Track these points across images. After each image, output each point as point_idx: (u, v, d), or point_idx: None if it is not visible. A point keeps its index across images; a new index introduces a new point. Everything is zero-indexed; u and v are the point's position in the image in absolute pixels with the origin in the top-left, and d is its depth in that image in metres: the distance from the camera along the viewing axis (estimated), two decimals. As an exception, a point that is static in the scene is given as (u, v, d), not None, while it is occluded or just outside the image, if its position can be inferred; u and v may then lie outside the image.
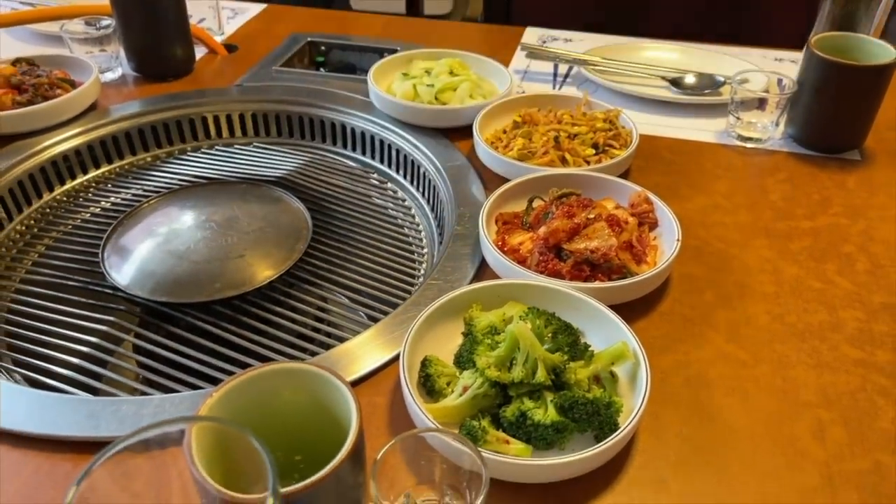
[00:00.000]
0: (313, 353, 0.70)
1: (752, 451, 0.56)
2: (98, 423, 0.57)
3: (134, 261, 0.79)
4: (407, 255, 0.88)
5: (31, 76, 1.00)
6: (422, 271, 0.85)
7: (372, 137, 1.01)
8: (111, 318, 0.76)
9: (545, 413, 0.54)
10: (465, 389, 0.57)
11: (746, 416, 0.59)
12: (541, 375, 0.55)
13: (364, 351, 0.65)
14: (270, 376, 0.46)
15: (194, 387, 0.68)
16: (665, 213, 0.76)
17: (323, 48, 1.24)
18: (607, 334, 0.62)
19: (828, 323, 0.68)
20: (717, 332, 0.67)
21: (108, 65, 1.12)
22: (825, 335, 0.67)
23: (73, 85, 1.01)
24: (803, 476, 0.55)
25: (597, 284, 0.67)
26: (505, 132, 0.93)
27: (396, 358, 0.61)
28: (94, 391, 0.68)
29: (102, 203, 0.95)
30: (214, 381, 0.68)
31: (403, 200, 0.97)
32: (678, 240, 0.71)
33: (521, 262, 0.73)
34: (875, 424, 0.59)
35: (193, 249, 0.80)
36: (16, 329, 0.76)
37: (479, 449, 0.51)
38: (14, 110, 0.94)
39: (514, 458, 0.52)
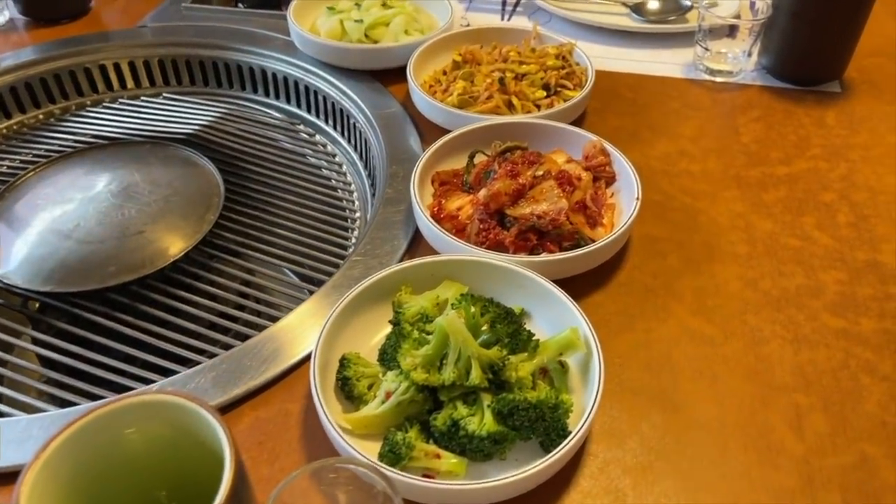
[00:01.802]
0: (211, 355, 0.60)
1: (720, 449, 0.49)
2: (-49, 455, 0.48)
3: (13, 243, 0.68)
4: (338, 220, 0.78)
5: None
6: (353, 239, 0.75)
7: (296, 83, 0.89)
8: (-12, 315, 0.66)
9: (481, 422, 0.46)
10: (389, 395, 0.48)
11: (715, 406, 0.52)
12: (475, 376, 0.47)
13: (273, 347, 0.55)
14: (120, 413, 0.36)
15: (96, 396, 0.58)
16: (623, 166, 0.66)
17: (243, -21, 1.10)
18: (556, 316, 0.54)
19: (806, 287, 0.60)
20: (682, 304, 0.59)
21: (-10, 7, 0.97)
22: (803, 302, 0.59)
23: (-55, 33, 0.87)
24: (779, 475, 0.47)
25: (544, 257, 0.58)
26: (445, 73, 0.82)
27: (310, 356, 0.52)
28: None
29: (-16, 172, 0.83)
30: (115, 388, 0.59)
31: (334, 156, 0.86)
32: (638, 198, 0.62)
33: (461, 230, 0.63)
34: (859, 408, 0.51)
35: (84, 227, 0.69)
36: None
37: (400, 473, 0.43)
38: None
39: (440, 483, 0.44)
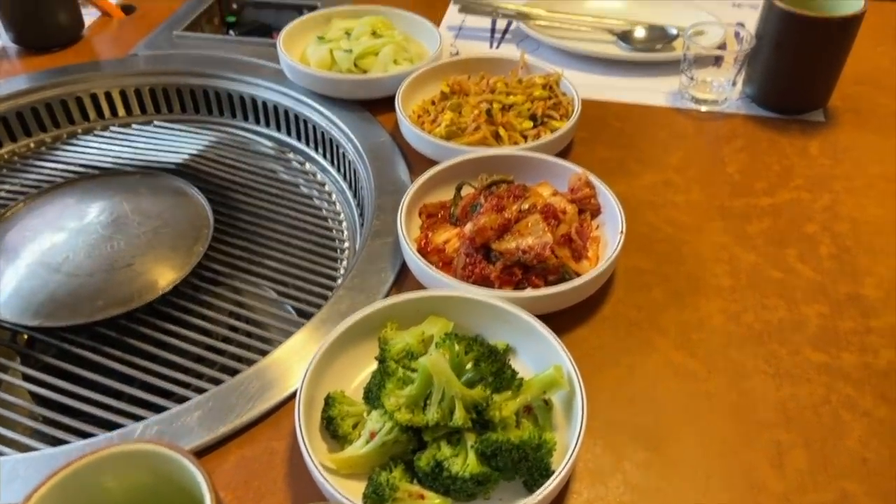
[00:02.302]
0: (199, 389, 0.61)
1: (702, 487, 0.49)
2: (-63, 497, 0.48)
3: (3, 277, 0.68)
4: (327, 250, 0.78)
5: None
6: (342, 269, 0.76)
7: (286, 112, 0.90)
8: (-25, 350, 0.66)
9: (464, 463, 0.46)
10: (373, 435, 0.49)
11: (697, 443, 0.52)
12: (459, 417, 0.47)
13: (260, 384, 0.56)
14: (100, 464, 0.36)
15: (85, 434, 0.58)
16: (608, 198, 0.67)
17: (234, 6, 1.10)
18: (541, 352, 0.54)
19: (788, 321, 0.61)
20: (666, 338, 0.60)
21: (-18, 35, 0.97)
22: (785, 337, 0.60)
23: (-63, 63, 0.88)
24: (761, 514, 0.48)
25: (528, 293, 0.58)
26: (433, 103, 0.83)
27: (296, 393, 0.52)
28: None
29: (-26, 203, 0.83)
30: (103, 424, 0.59)
31: (323, 185, 0.87)
32: (622, 232, 0.63)
33: (448, 263, 0.64)
34: (840, 445, 0.52)
35: (73, 260, 0.69)
36: None
37: (384, 516, 0.43)
38: None
39: (423, 525, 0.44)
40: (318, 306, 0.70)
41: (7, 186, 0.85)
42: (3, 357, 0.67)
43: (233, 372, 0.64)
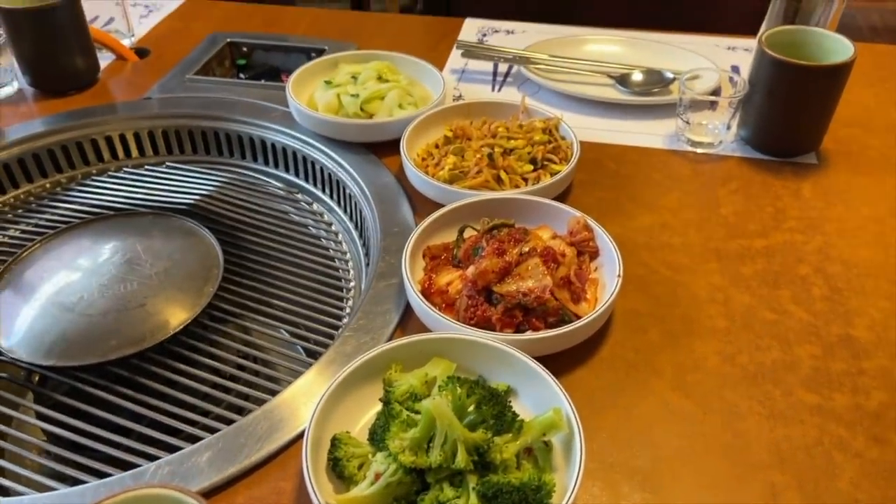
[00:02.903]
0: (207, 427, 0.63)
1: (699, 528, 0.51)
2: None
3: (19, 316, 0.71)
4: (334, 290, 0.80)
5: None
6: (348, 309, 0.78)
7: (294, 154, 0.93)
8: (-8, 390, 0.68)
9: (466, 504, 0.48)
10: (378, 476, 0.50)
11: (693, 485, 0.53)
12: (461, 459, 0.49)
13: (268, 425, 0.57)
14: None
15: (97, 472, 0.60)
16: (606, 242, 0.69)
17: (244, 49, 1.14)
18: (541, 394, 0.56)
19: (781, 362, 0.62)
20: (662, 379, 0.61)
21: (1, 79, 1.01)
22: (779, 377, 0.61)
23: (-43, 107, 0.91)
24: (755, 555, 0.49)
25: (528, 336, 0.60)
26: (437, 147, 0.86)
27: (303, 433, 0.54)
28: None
29: (-8, 242, 0.86)
30: (120, 464, 0.60)
31: (330, 225, 0.89)
32: (619, 276, 0.65)
33: (450, 304, 0.66)
34: (833, 486, 0.53)
35: (87, 300, 0.72)
36: None
37: (389, 557, 0.45)
38: None
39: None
40: (325, 345, 0.72)
41: (23, 226, 0.87)
42: (17, 395, 0.69)
43: (240, 410, 0.66)
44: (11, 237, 0.86)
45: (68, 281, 0.74)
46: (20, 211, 0.90)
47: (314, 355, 0.70)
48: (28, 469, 0.62)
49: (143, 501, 0.38)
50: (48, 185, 0.93)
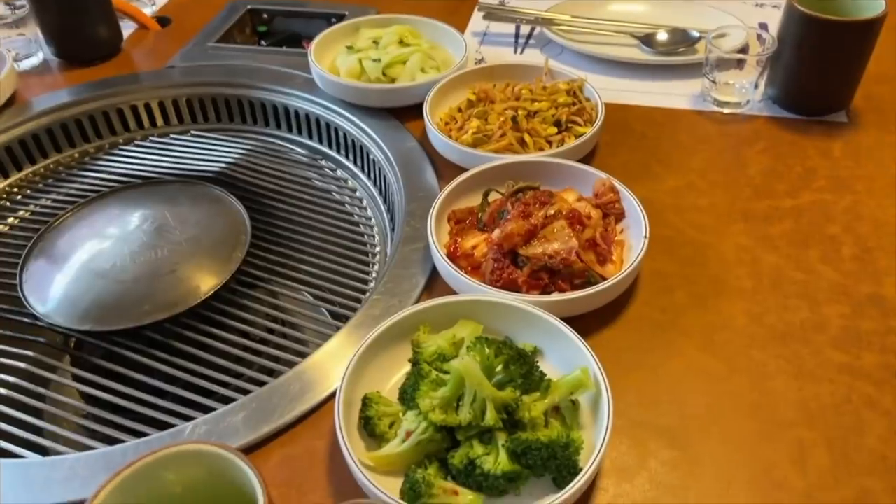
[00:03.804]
0: (239, 388, 0.64)
1: (725, 485, 0.51)
2: (5, 491, 0.52)
3: (54, 283, 0.72)
4: (360, 255, 0.81)
5: (-63, 71, 0.90)
6: (374, 273, 0.78)
7: (318, 120, 0.93)
8: (31, 354, 0.69)
9: (496, 461, 0.49)
10: (409, 434, 0.51)
11: (720, 442, 0.54)
12: (490, 417, 0.50)
13: (300, 386, 0.59)
14: (163, 461, 0.39)
15: (134, 431, 0.62)
16: (632, 203, 0.69)
17: (265, 16, 1.14)
18: (568, 354, 0.56)
19: (810, 322, 0.62)
20: (690, 339, 0.61)
21: (27, 50, 1.02)
22: (807, 337, 0.61)
23: (-15, 78, 0.92)
24: (782, 510, 0.50)
25: (555, 297, 0.60)
26: (460, 110, 0.85)
27: (334, 394, 0.55)
28: (23, 442, 0.62)
29: (24, 211, 0.87)
30: (156, 424, 0.62)
31: (355, 191, 0.90)
32: (646, 236, 0.65)
33: (476, 267, 0.66)
34: (861, 443, 0.53)
35: (119, 267, 0.73)
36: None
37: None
38: (-84, 114, 0.85)
39: (459, 520, 0.47)
40: (352, 309, 0.73)
41: (54, 195, 0.89)
42: (54, 359, 0.71)
43: (270, 372, 0.68)
44: (43, 206, 0.88)
45: (100, 248, 0.75)
46: (51, 180, 0.91)
47: (341, 319, 0.71)
48: (67, 430, 0.63)
49: (184, 458, 0.39)
50: (77, 155, 0.94)
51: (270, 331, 0.72)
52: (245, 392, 0.64)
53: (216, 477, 0.41)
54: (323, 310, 0.78)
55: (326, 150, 0.94)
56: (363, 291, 0.76)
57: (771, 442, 0.54)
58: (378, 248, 0.81)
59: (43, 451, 0.61)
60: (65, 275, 0.73)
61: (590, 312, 0.62)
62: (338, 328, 0.66)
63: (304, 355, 0.66)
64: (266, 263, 0.78)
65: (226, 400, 0.63)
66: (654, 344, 0.61)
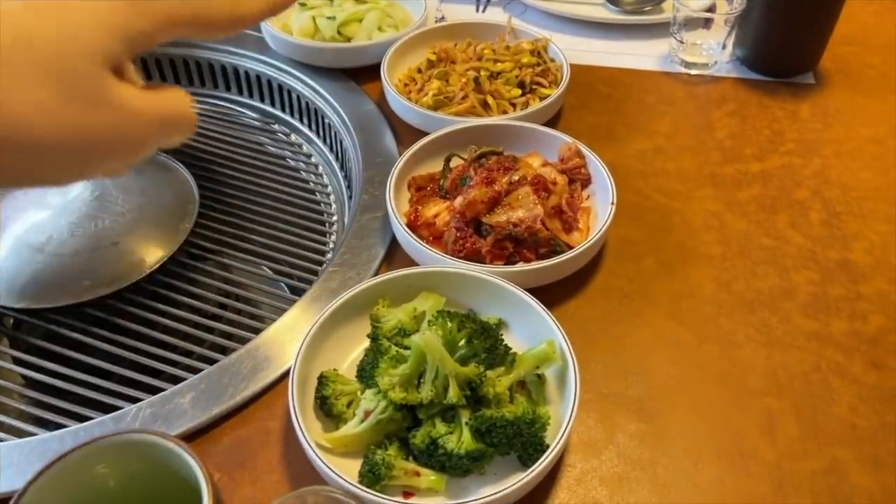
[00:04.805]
0: (188, 367, 0.61)
1: (695, 457, 0.50)
2: (-70, 485, 0.48)
3: (-15, 258, 0.67)
4: (316, 224, 0.77)
5: None
6: (331, 244, 0.75)
7: (269, 82, 0.88)
8: (-39, 333, 0.65)
9: (459, 440, 0.47)
10: (367, 414, 0.49)
11: (689, 413, 0.52)
12: (452, 395, 0.47)
13: (252, 364, 0.55)
14: (94, 454, 0.36)
15: (77, 416, 0.58)
16: (598, 168, 0.66)
17: (212, -29, 1.07)
18: (533, 326, 0.54)
19: (779, 289, 0.61)
20: (657, 308, 0.60)
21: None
22: (776, 304, 0.60)
23: None
24: (751, 482, 0.49)
25: (520, 267, 0.58)
26: (420, 72, 0.81)
27: (288, 372, 0.52)
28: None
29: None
30: (101, 407, 0.58)
31: (309, 157, 0.85)
32: (613, 203, 0.62)
33: (438, 237, 0.63)
34: (830, 411, 0.52)
35: (57, 239, 0.68)
36: None
37: (379, 496, 0.44)
38: None
39: (419, 501, 0.45)
40: (308, 281, 0.70)
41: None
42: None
43: (223, 350, 0.64)
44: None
45: (36, 220, 0.70)
46: (-19, 148, 0.85)
47: (298, 292, 0.68)
48: (8, 415, 0.59)
49: (123, 447, 0.36)
50: (9, 120, 0.88)
51: (223, 306, 0.69)
52: (195, 371, 0.60)
53: (156, 467, 0.38)
54: (282, 284, 0.74)
55: (279, 113, 0.90)
56: (320, 263, 0.73)
57: (740, 411, 0.52)
58: (335, 218, 0.78)
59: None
60: (-3, 249, 0.68)
61: (555, 282, 0.60)
62: (294, 302, 0.63)
63: (259, 331, 0.63)
64: (216, 234, 0.74)
65: (176, 380, 0.60)
66: (621, 314, 0.59)
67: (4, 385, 0.63)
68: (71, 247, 0.68)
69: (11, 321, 0.69)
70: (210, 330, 0.66)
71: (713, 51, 0.85)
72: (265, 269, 0.73)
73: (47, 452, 0.49)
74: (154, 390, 0.58)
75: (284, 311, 0.61)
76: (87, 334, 0.64)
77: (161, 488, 0.38)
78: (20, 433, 0.57)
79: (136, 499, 0.38)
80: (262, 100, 0.90)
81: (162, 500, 0.38)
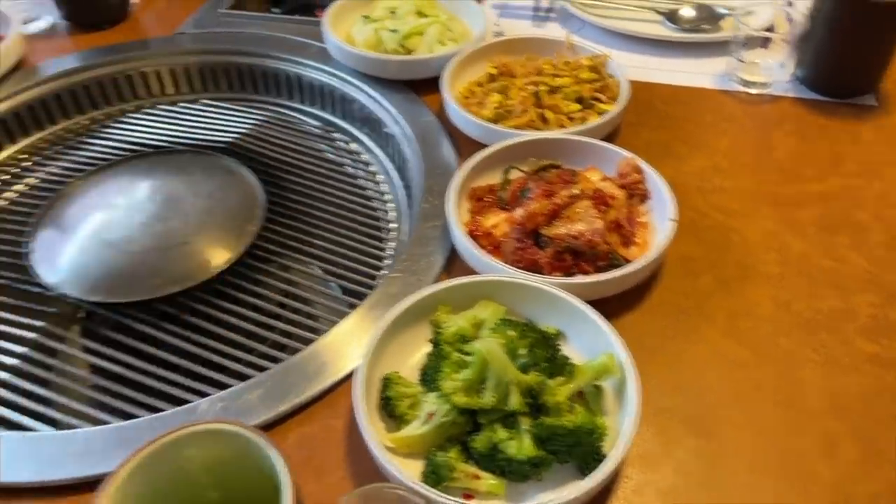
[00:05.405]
0: (250, 363, 0.63)
1: (753, 475, 0.50)
2: (16, 465, 0.51)
3: (64, 253, 0.71)
4: (374, 231, 0.79)
5: (-58, 33, 0.88)
6: (388, 251, 0.77)
7: (331, 92, 0.91)
8: (41, 324, 0.68)
9: (520, 446, 0.48)
10: (431, 416, 0.50)
11: (748, 431, 0.53)
12: (514, 402, 0.49)
13: (317, 364, 0.57)
14: (186, 440, 0.38)
15: (145, 405, 0.61)
16: (657, 184, 0.67)
17: (278, -17, 1.11)
18: (592, 338, 0.55)
19: (839, 311, 0.61)
20: (715, 326, 0.60)
21: (34, 13, 0.99)
22: (836, 326, 0.60)
23: (-8, 40, 0.90)
24: (809, 503, 0.49)
25: (579, 280, 0.59)
26: (480, 85, 0.83)
27: (351, 373, 0.54)
28: (32, 413, 0.61)
29: (32, 178, 0.85)
30: (167, 398, 0.61)
31: (368, 165, 0.88)
32: (673, 220, 0.63)
33: (496, 246, 0.65)
34: (891, 435, 0.52)
35: (131, 236, 0.71)
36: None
37: (443, 496, 0.45)
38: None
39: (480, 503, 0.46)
40: (366, 286, 0.71)
41: (62, 163, 0.87)
42: (64, 330, 0.69)
43: (282, 348, 0.66)
44: (51, 173, 0.86)
45: (111, 218, 0.74)
46: (59, 147, 0.89)
47: (357, 296, 0.70)
48: (77, 402, 0.62)
49: (208, 436, 0.38)
50: (85, 122, 0.92)
51: (283, 306, 0.71)
52: (258, 368, 0.63)
53: (239, 458, 0.40)
54: (333, 285, 0.76)
55: (339, 122, 0.92)
56: (377, 268, 0.75)
57: (798, 432, 0.52)
58: (393, 224, 0.80)
59: (53, 423, 0.60)
60: (74, 244, 0.71)
61: (612, 296, 0.61)
62: (350, 305, 0.65)
63: (316, 331, 0.65)
64: (280, 238, 0.76)
65: (238, 375, 0.62)
66: (678, 329, 0.60)
67: (76, 373, 0.66)
68: (143, 245, 0.71)
69: (84, 313, 0.72)
70: (271, 328, 0.68)
71: (772, 70, 0.85)
72: (323, 272, 0.75)
73: (125, 440, 0.52)
74: (216, 384, 0.61)
75: (339, 312, 0.63)
76: (157, 328, 0.66)
77: (241, 477, 0.40)
78: (91, 420, 0.60)
79: (217, 485, 0.40)
80: (322, 108, 0.93)
81: (240, 489, 0.40)
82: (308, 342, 0.61)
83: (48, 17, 1.00)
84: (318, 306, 0.72)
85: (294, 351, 0.62)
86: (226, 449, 0.39)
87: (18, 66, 0.91)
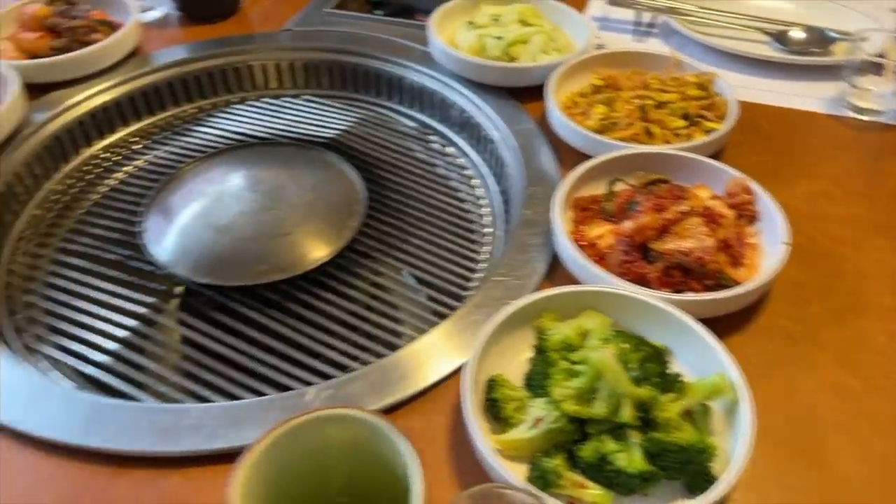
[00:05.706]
0: (345, 353, 0.65)
1: (867, 510, 0.49)
2: (134, 434, 0.53)
3: (174, 233, 0.73)
4: (469, 234, 0.80)
5: (67, 17, 0.93)
6: (482, 255, 0.77)
7: (431, 94, 0.92)
8: (151, 300, 0.71)
9: (631, 459, 0.47)
10: (538, 421, 0.50)
11: (860, 463, 0.51)
12: (626, 414, 0.48)
13: (422, 359, 0.58)
14: (322, 422, 0.39)
15: (240, 384, 0.63)
16: (768, 205, 0.66)
17: (380, -14, 1.13)
18: (700, 357, 0.54)
19: (958, 348, 0.59)
20: (825, 354, 0.58)
21: (150, 3, 1.03)
22: (955, 364, 0.57)
23: (112, 27, 0.94)
24: (928, 544, 0.47)
25: (690, 297, 0.58)
26: (583, 96, 0.83)
27: (458, 370, 0.54)
28: (135, 384, 0.63)
29: (142, 161, 0.89)
30: (268, 382, 0.63)
31: (464, 169, 0.88)
32: (786, 243, 0.62)
33: (600, 258, 0.64)
34: None
35: (237, 223, 0.74)
36: (55, 307, 0.71)
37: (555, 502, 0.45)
38: (49, 58, 0.87)
39: (592, 513, 0.46)
40: (459, 286, 0.72)
41: (170, 148, 0.90)
42: (172, 308, 0.72)
43: (376, 340, 0.67)
44: (160, 157, 0.89)
45: (218, 204, 0.76)
46: (168, 133, 0.93)
47: (457, 298, 0.71)
48: (181, 378, 0.64)
49: (346, 421, 0.39)
50: (192, 110, 0.95)
51: (376, 298, 0.72)
52: (355, 358, 0.64)
53: (369, 444, 0.41)
54: (429, 288, 0.77)
55: (436, 125, 0.93)
56: (471, 270, 0.75)
57: (916, 471, 0.51)
58: (488, 229, 0.80)
59: (159, 396, 0.63)
60: (183, 228, 0.74)
61: (719, 316, 0.60)
62: (437, 304, 0.66)
63: (422, 332, 0.66)
64: (380, 234, 0.77)
65: (336, 364, 0.64)
66: (787, 355, 0.58)
67: (180, 349, 0.68)
68: (249, 232, 0.73)
69: (193, 293, 0.75)
70: (366, 320, 0.69)
71: (886, 97, 0.82)
72: (423, 271, 0.76)
73: (235, 419, 0.53)
74: (312, 371, 0.62)
75: (440, 312, 0.63)
76: (261, 313, 0.68)
77: (366, 464, 0.41)
78: (196, 396, 0.62)
79: (343, 472, 0.41)
80: (421, 110, 0.94)
81: (363, 475, 0.41)
82: (415, 339, 0.61)
83: (163, 8, 1.04)
84: (414, 303, 0.73)
85: (390, 346, 0.64)
86: (358, 433, 0.39)
87: (134, 53, 0.95)
